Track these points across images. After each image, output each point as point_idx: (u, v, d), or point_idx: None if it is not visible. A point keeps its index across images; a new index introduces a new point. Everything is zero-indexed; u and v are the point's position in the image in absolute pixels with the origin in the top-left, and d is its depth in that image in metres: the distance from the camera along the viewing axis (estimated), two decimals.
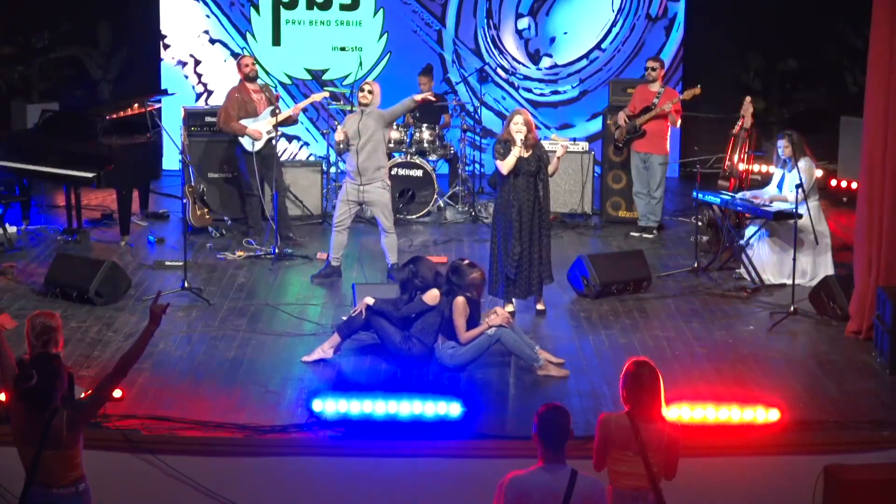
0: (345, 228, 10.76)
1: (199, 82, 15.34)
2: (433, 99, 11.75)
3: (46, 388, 5.95)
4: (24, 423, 6.00)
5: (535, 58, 15.45)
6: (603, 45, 15.41)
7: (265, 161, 12.06)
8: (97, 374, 8.33)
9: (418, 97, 10.97)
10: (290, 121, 12.30)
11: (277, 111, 12.06)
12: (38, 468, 5.96)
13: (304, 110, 13.88)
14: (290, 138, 15.18)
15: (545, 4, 15.35)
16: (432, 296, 8.76)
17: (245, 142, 12.01)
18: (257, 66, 12.39)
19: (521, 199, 9.74)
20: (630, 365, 6.09)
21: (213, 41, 15.28)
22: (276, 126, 12.03)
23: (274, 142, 12.15)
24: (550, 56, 15.43)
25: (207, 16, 15.24)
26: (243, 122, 11.99)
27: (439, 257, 11.53)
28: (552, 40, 15.40)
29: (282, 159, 13.33)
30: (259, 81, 12.41)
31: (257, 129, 11.96)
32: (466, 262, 8.94)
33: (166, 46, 15.29)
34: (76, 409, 6.02)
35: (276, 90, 13.90)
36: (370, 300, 8.86)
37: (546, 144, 11.51)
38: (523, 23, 15.39)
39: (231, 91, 12.30)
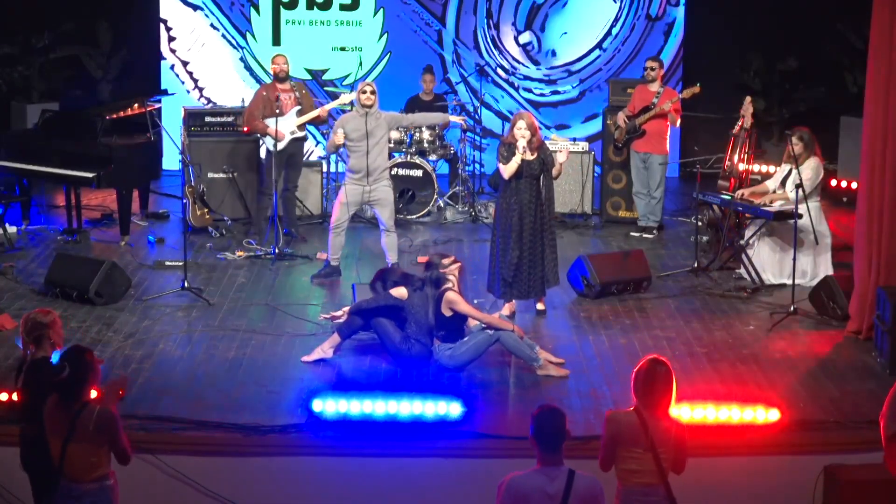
0: (343, 231, 10.78)
1: (196, 87, 15.35)
2: (464, 127, 11.88)
3: (76, 381, 6.06)
4: (53, 414, 6.09)
5: (536, 61, 15.46)
6: (604, 45, 15.41)
7: (290, 160, 12.06)
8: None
9: (456, 118, 11.23)
10: (318, 121, 12.31)
11: (307, 110, 12.01)
12: (64, 462, 6.04)
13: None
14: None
15: (539, 16, 15.33)
16: (399, 293, 8.78)
17: (268, 141, 12.00)
18: (288, 67, 12.30)
19: (523, 202, 9.72)
20: (646, 362, 6.09)
21: (213, 31, 15.29)
22: (302, 126, 12.02)
23: (302, 142, 12.17)
24: (555, 55, 15.43)
25: (207, 15, 15.24)
26: (268, 121, 11.96)
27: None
28: (552, 53, 15.39)
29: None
30: (292, 80, 12.39)
31: (280, 131, 11.92)
32: (439, 254, 8.93)
33: (171, 42, 15.31)
34: (109, 420, 6.07)
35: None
36: (344, 310, 8.93)
37: (546, 144, 11.51)
38: (525, 38, 15.39)
39: (259, 89, 12.32)
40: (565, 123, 15.44)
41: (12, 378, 7.21)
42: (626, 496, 6.00)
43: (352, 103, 12.90)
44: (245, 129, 12.35)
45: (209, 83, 15.33)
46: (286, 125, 11.96)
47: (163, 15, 15.23)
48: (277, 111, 11.76)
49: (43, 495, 6.40)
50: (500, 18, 15.40)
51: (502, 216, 9.82)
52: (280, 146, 11.95)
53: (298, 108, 12.06)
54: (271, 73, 12.29)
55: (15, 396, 7.64)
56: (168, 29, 15.26)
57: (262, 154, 12.41)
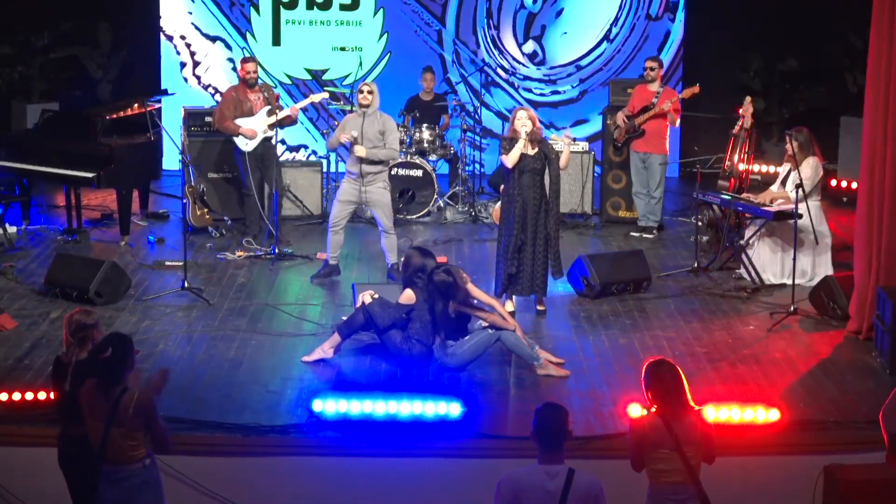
0: (341, 228, 10.78)
1: (200, 84, 15.35)
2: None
3: (118, 363, 6.18)
4: (93, 398, 6.18)
5: (525, 40, 15.42)
6: (601, 46, 15.42)
7: (263, 160, 12.07)
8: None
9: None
10: (289, 121, 12.27)
11: (276, 111, 12.04)
12: (107, 445, 6.13)
13: (304, 110, 13.87)
14: (292, 149, 15.19)
15: (537, 24, 15.34)
16: (407, 296, 8.76)
17: (239, 141, 12.02)
18: (258, 73, 12.29)
19: (526, 197, 9.76)
20: (648, 366, 6.09)
21: (212, 39, 15.30)
22: (272, 126, 12.00)
23: (273, 141, 12.14)
24: (541, 46, 15.40)
25: (207, 20, 15.25)
26: (238, 121, 11.99)
27: (439, 257, 11.52)
28: (559, 13, 15.32)
29: (281, 160, 13.31)
30: (260, 80, 12.41)
31: (251, 129, 11.96)
32: (458, 275, 8.81)
33: (170, 39, 15.31)
34: (148, 404, 6.18)
35: (276, 90, 13.89)
36: (368, 298, 8.87)
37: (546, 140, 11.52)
38: (528, 47, 15.39)
39: (228, 90, 12.32)
40: (584, 118, 15.39)
41: (48, 377, 7.23)
42: (657, 494, 6.01)
43: (351, 102, 12.93)
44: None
45: (210, 83, 15.33)
46: (257, 125, 11.97)
47: (163, 15, 15.23)
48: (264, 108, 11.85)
49: (82, 493, 6.47)
50: (501, 18, 15.40)
51: (506, 212, 9.87)
52: (251, 146, 11.96)
53: (268, 107, 12.06)
54: (240, 74, 12.27)
55: (26, 396, 7.74)
56: (169, 38, 15.28)
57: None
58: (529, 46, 15.40)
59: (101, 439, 6.14)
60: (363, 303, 8.87)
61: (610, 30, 15.33)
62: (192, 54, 15.28)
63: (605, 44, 15.36)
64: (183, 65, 15.30)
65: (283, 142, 14.91)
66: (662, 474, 5.99)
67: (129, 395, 6.14)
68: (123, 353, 6.23)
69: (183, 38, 15.25)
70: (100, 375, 6.20)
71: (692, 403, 6.10)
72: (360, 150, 10.50)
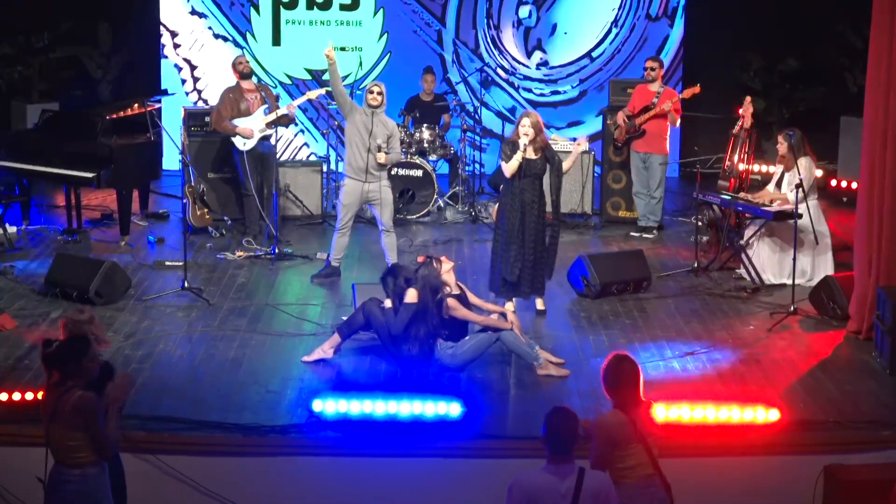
0: (347, 231, 10.79)
1: (195, 88, 15.34)
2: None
3: (63, 358, 6.14)
4: (46, 394, 6.22)
5: (530, 52, 15.41)
6: (602, 45, 15.41)
7: (262, 160, 12.07)
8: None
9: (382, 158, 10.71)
10: (286, 119, 12.26)
11: (274, 109, 12.04)
12: (49, 443, 6.12)
13: (303, 109, 13.84)
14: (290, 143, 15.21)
15: (533, 37, 15.35)
16: (412, 295, 8.75)
17: (237, 141, 12.02)
18: (251, 65, 12.38)
19: (526, 201, 9.73)
20: (611, 361, 6.12)
21: (216, 36, 15.28)
22: (270, 125, 12.00)
23: (273, 141, 12.14)
24: (545, 52, 15.41)
25: (206, 15, 15.25)
26: (235, 121, 11.98)
27: (441, 257, 11.52)
28: (553, 28, 15.37)
29: (281, 159, 13.31)
30: (255, 80, 12.41)
31: (248, 128, 11.96)
32: (434, 260, 8.88)
33: (170, 42, 15.30)
34: (87, 405, 6.10)
35: (276, 90, 13.89)
36: (388, 304, 8.85)
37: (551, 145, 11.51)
38: (524, 11, 15.37)
39: (224, 91, 12.30)
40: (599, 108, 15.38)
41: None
42: (628, 492, 5.98)
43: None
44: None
45: (209, 84, 15.31)
46: (254, 124, 11.98)
47: (162, 16, 15.23)
48: (245, 108, 11.88)
49: None
50: (501, 19, 15.40)
51: (504, 215, 9.84)
52: (249, 145, 11.96)
53: (265, 106, 12.06)
54: (235, 76, 12.26)
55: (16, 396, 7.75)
56: (173, 35, 15.27)
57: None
58: (536, 57, 15.39)
59: (46, 436, 6.14)
60: (364, 302, 8.88)
61: (599, 44, 15.34)
62: (195, 75, 15.29)
63: (584, 60, 15.38)
64: (180, 68, 15.32)
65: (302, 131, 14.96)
66: (632, 470, 6.00)
67: (71, 392, 6.10)
68: (65, 354, 6.18)
69: (178, 34, 15.28)
70: (46, 370, 6.23)
71: (642, 396, 6.11)
72: (382, 157, 10.56)
